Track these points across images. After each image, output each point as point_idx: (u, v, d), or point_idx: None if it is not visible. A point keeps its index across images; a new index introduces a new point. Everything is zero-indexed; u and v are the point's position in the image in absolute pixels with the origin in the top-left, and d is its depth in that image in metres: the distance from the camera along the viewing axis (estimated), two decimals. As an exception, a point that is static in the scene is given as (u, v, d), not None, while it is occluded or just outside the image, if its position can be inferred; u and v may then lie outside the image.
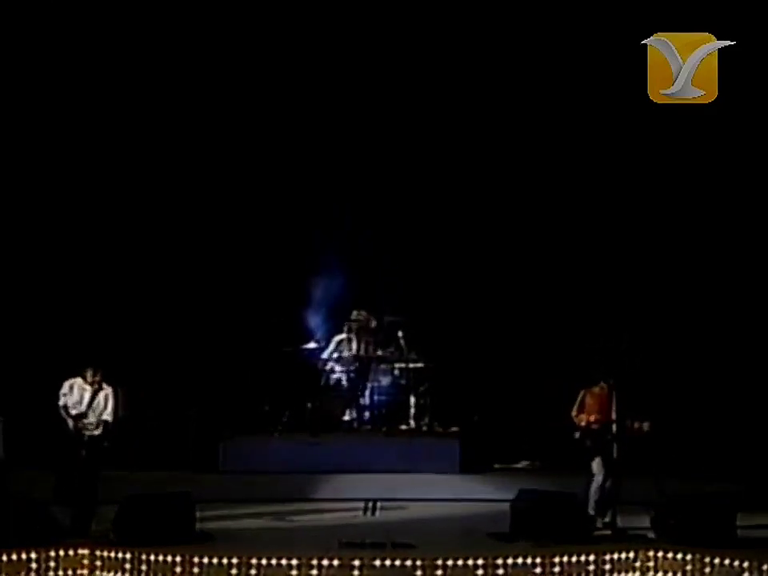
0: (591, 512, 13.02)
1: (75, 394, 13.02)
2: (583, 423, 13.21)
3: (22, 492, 12.69)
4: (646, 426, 13.00)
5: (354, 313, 16.50)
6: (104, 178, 16.79)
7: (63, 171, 16.68)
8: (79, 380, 13.03)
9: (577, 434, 13.23)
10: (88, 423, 12.90)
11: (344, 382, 16.41)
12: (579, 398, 13.33)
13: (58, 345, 15.62)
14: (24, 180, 16.54)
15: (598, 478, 13.14)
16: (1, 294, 16.29)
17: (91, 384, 12.96)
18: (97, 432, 12.93)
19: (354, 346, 16.43)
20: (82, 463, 12.77)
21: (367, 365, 16.38)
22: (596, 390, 13.33)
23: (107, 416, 12.96)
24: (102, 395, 12.97)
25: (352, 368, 16.38)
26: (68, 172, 16.69)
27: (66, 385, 13.07)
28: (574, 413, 13.30)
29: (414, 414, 16.19)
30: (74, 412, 12.91)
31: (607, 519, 12.91)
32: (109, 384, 13.03)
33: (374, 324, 16.50)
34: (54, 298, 16.50)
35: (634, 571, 11.88)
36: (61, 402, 13.00)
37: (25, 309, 16.42)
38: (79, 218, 16.77)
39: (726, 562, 11.59)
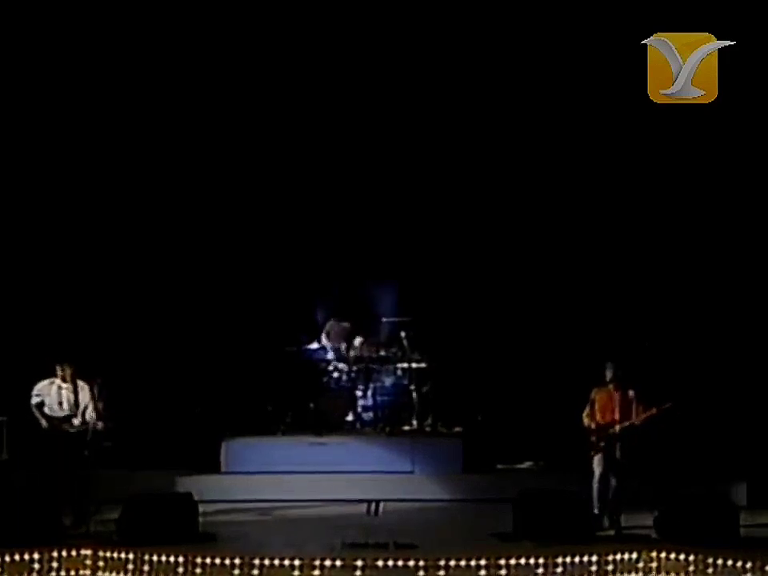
0: (596, 511, 13.03)
1: (53, 394, 13.06)
2: (588, 423, 13.23)
3: (24, 492, 12.69)
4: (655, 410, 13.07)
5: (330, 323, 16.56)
6: (105, 176, 16.79)
7: (62, 170, 16.64)
8: (57, 380, 13.07)
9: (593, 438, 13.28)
10: (76, 422, 12.92)
11: (346, 383, 16.41)
12: (591, 397, 13.36)
13: (62, 346, 15.56)
14: (19, 180, 16.52)
15: (596, 475, 13.16)
16: (6, 294, 16.30)
17: (64, 381, 13.00)
18: (81, 428, 12.93)
19: (342, 348, 16.47)
20: (82, 464, 12.81)
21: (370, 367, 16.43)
22: (604, 388, 13.34)
23: (90, 413, 12.98)
24: (82, 394, 13.00)
25: (354, 368, 16.39)
26: (67, 171, 16.66)
27: (41, 385, 13.11)
28: (586, 411, 13.30)
29: (417, 414, 16.18)
30: (56, 413, 12.94)
31: (621, 521, 12.96)
32: (83, 380, 13.06)
33: (348, 329, 16.51)
34: (59, 298, 16.49)
35: (637, 572, 11.88)
36: (33, 401, 13.04)
37: (29, 310, 16.42)
38: (85, 221, 16.76)
39: (729, 562, 11.58)
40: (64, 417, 12.99)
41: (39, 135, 16.49)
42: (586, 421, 13.25)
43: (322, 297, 16.81)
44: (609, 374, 13.29)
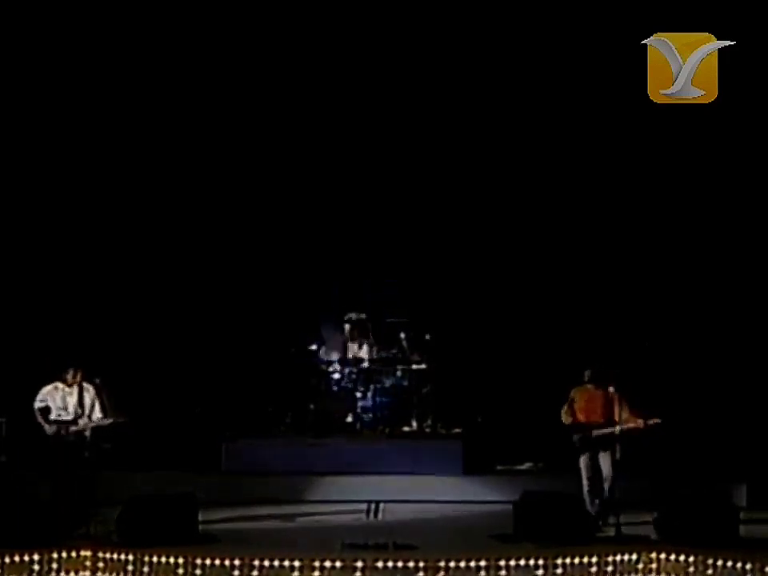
0: (590, 510, 13.03)
1: (58, 399, 12.99)
2: (570, 421, 13.23)
3: (24, 493, 12.67)
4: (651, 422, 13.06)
5: (353, 315, 16.49)
6: (108, 178, 16.80)
7: (64, 174, 16.67)
8: (60, 384, 13.00)
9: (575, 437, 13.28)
10: (81, 423, 12.88)
11: (346, 384, 16.40)
12: (570, 396, 13.36)
13: (64, 346, 15.59)
14: (18, 180, 16.52)
15: (584, 478, 13.18)
16: (5, 295, 16.30)
17: (71, 385, 12.95)
18: (87, 432, 12.89)
19: (356, 347, 16.43)
20: (82, 465, 12.78)
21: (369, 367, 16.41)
22: (582, 387, 13.36)
23: (97, 413, 12.95)
24: (87, 396, 12.97)
25: (355, 369, 16.39)
26: (69, 174, 16.69)
27: (46, 390, 13.05)
28: (564, 409, 13.32)
29: (417, 415, 16.18)
30: (63, 417, 12.90)
31: (610, 521, 12.92)
32: (88, 382, 13.03)
33: (370, 326, 16.49)
34: (60, 299, 16.51)
35: (637, 573, 11.86)
36: (36, 406, 12.98)
37: (29, 310, 16.43)
38: (87, 223, 16.77)
39: (729, 563, 11.55)
40: (70, 420, 12.94)
41: (41, 137, 16.52)
42: (568, 420, 13.27)
43: (321, 297, 16.80)
44: (587, 374, 13.34)
